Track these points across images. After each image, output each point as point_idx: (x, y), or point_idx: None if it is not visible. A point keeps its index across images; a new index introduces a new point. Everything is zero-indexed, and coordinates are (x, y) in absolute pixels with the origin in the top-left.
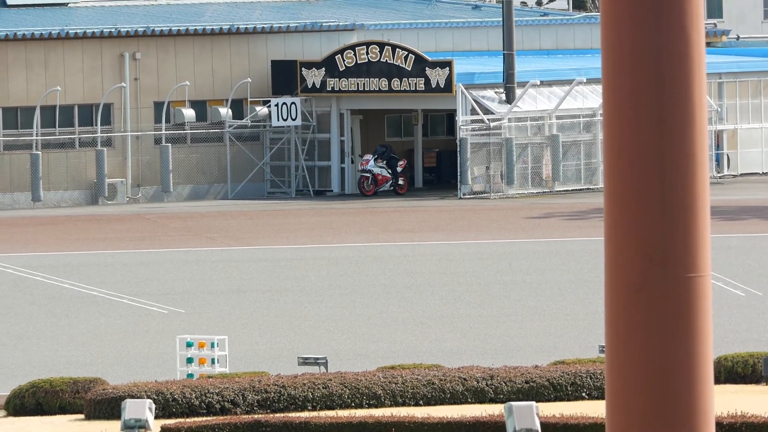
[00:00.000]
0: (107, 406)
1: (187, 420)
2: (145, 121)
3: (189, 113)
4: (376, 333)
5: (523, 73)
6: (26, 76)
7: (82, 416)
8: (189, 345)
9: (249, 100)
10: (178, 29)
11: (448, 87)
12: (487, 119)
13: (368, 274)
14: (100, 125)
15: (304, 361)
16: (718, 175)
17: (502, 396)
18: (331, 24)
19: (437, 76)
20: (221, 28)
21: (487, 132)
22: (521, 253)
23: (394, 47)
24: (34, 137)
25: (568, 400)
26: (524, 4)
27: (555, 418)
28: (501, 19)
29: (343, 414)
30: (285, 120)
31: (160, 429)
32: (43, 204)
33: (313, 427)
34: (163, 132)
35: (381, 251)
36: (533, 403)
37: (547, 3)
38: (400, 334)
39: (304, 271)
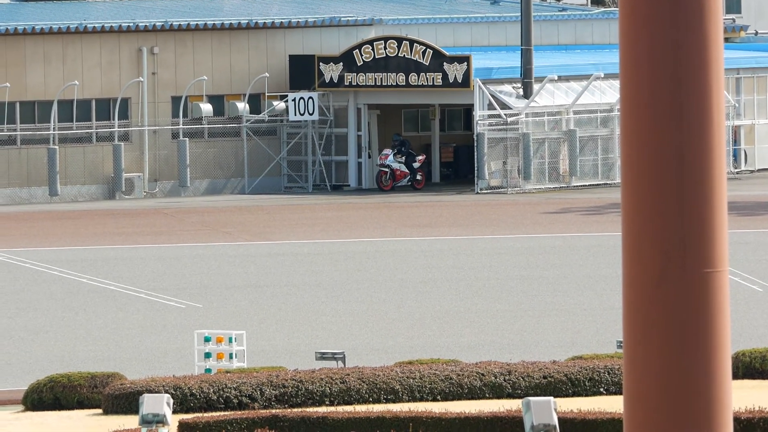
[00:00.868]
0: (125, 401)
1: (205, 415)
2: (163, 115)
3: (206, 108)
4: (393, 328)
5: (540, 68)
6: (44, 70)
7: (100, 411)
8: (207, 340)
9: (266, 94)
10: (197, 24)
11: (466, 82)
12: (505, 114)
13: (385, 268)
14: (118, 120)
15: (322, 356)
16: (735, 170)
17: (519, 391)
18: (350, 19)
19: (455, 71)
20: (239, 22)
21: (505, 127)
22: (538, 248)
23: (412, 42)
24: (52, 131)
25: (586, 395)
26: None
27: (573, 414)
28: (519, 14)
29: (361, 409)
30: (302, 115)
31: (178, 424)
32: (60, 198)
33: (331, 421)
34: (181, 126)
35: (398, 246)
36: (551, 398)
37: None
38: (417, 329)
39: (321, 266)
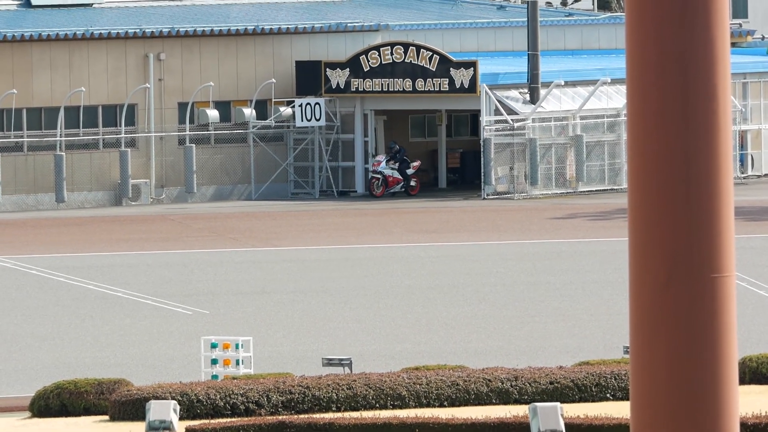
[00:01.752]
0: (132, 408)
1: (212, 421)
2: (169, 121)
3: (213, 114)
4: (400, 334)
5: (547, 74)
6: (50, 76)
7: (106, 417)
8: (213, 346)
9: (273, 100)
10: (203, 30)
11: (473, 87)
12: (511, 119)
13: (392, 274)
14: (124, 126)
15: (329, 362)
16: (742, 175)
17: (526, 397)
18: (356, 24)
19: (461, 77)
20: (246, 28)
21: (511, 132)
22: (545, 253)
23: (418, 48)
24: (58, 138)
25: (593, 401)
26: (549, 4)
27: (579, 419)
28: (526, 19)
29: (368, 415)
30: (309, 120)
31: (184, 430)
32: (66, 205)
33: (338, 428)
34: (187, 133)
35: (405, 252)
36: (558, 404)
37: (572, 3)
38: (424, 335)
39: (328, 272)
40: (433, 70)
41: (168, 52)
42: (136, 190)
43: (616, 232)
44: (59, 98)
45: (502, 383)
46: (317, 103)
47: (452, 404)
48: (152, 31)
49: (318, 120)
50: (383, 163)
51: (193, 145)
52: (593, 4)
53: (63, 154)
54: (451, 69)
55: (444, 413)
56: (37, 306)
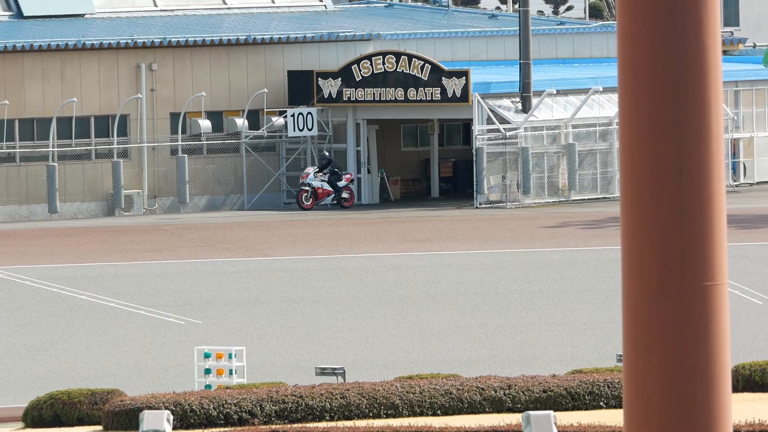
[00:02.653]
0: (125, 418)
1: (206, 431)
2: (162, 132)
3: (205, 124)
4: (393, 343)
5: (539, 82)
6: (42, 87)
7: (100, 427)
8: (207, 356)
9: (265, 110)
10: (195, 40)
11: (465, 96)
12: (504, 128)
13: (385, 284)
14: (117, 136)
15: (322, 372)
16: (735, 183)
17: (519, 405)
18: (348, 34)
19: (453, 86)
20: (238, 38)
21: (504, 141)
22: (538, 262)
23: (410, 57)
24: (51, 149)
25: (586, 409)
26: (541, 13)
27: (573, 428)
28: (518, 28)
29: (361, 424)
30: (301, 130)
31: None
32: (59, 216)
33: None
34: (180, 143)
35: (398, 261)
36: (551, 412)
37: (563, 12)
38: (417, 344)
39: (321, 282)
40: (425, 79)
41: (160, 63)
42: (128, 200)
43: (608, 241)
44: (51, 109)
45: (495, 392)
46: (309, 113)
47: (445, 413)
48: (144, 42)
49: (310, 130)
50: (311, 175)
51: (186, 155)
52: (585, 13)
53: (55, 164)
54: (443, 78)
55: (437, 422)
56: (30, 316)
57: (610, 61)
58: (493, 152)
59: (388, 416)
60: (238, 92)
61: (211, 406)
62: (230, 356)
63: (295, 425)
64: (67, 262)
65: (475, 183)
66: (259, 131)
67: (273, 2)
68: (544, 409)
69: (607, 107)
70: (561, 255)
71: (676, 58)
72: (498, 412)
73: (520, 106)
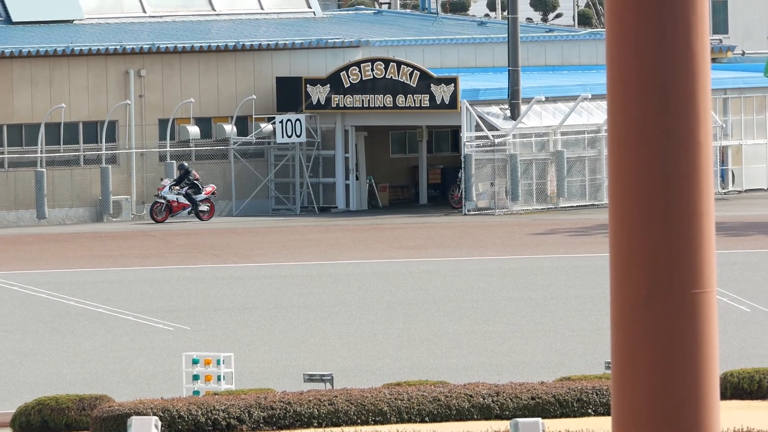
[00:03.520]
0: (113, 423)
1: None
2: (150, 138)
3: (194, 130)
4: (381, 349)
5: (528, 89)
6: (31, 92)
7: None
8: (195, 362)
9: (254, 117)
10: (183, 46)
11: (453, 103)
12: (492, 135)
13: (373, 290)
14: (105, 142)
15: (310, 378)
16: (723, 191)
17: (507, 412)
18: (337, 41)
19: (442, 93)
20: (227, 45)
21: (492, 148)
22: (526, 269)
23: (399, 64)
24: (39, 154)
25: (574, 416)
26: (530, 20)
27: None
28: (506, 35)
29: (349, 430)
30: (290, 137)
31: None
32: (47, 221)
33: None
34: (168, 149)
35: (386, 268)
36: (539, 419)
37: (552, 19)
38: (405, 351)
39: (309, 288)
40: (414, 86)
41: (148, 69)
42: (117, 206)
43: (597, 248)
44: (40, 114)
45: (484, 399)
46: (298, 120)
47: (434, 420)
48: (133, 48)
49: (299, 136)
50: (167, 188)
51: (174, 161)
52: (574, 21)
53: (44, 170)
54: (431, 85)
55: (425, 429)
56: (18, 322)
57: (598, 69)
58: (482, 159)
59: (376, 423)
60: (227, 98)
61: (200, 412)
62: (218, 362)
63: None
64: (55, 267)
65: (463, 190)
66: (248, 137)
67: (262, 8)
68: (533, 416)
69: (596, 114)
70: (549, 262)
71: (665, 65)
72: (486, 419)
73: (508, 113)
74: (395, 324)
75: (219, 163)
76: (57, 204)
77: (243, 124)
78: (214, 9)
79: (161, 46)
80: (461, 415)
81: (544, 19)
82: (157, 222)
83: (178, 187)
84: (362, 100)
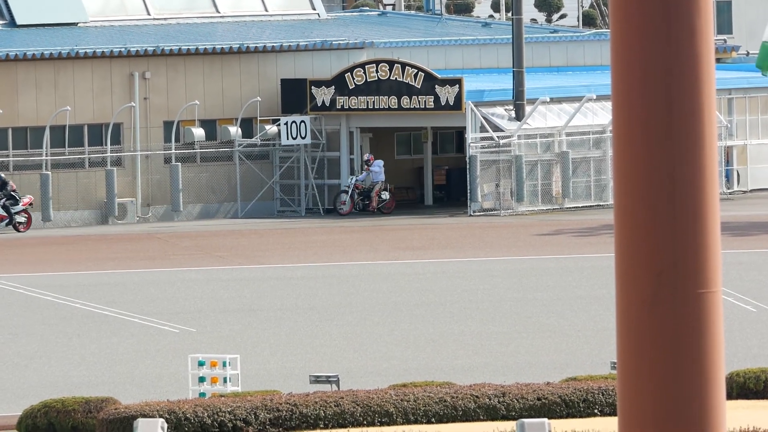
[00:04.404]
0: (119, 426)
1: None
2: (155, 140)
3: (199, 132)
4: (387, 351)
5: (532, 90)
6: (36, 95)
7: None
8: (201, 364)
9: (259, 118)
10: (188, 48)
11: (458, 104)
12: (497, 136)
13: (379, 291)
14: (110, 145)
15: (316, 380)
16: (728, 190)
17: (514, 413)
18: (341, 42)
19: (447, 94)
20: (231, 47)
21: (497, 149)
22: (531, 270)
23: (403, 65)
24: (44, 157)
25: (581, 416)
26: (534, 21)
27: None
28: (511, 36)
29: None
30: (294, 138)
31: None
32: (53, 224)
33: None
34: (173, 151)
35: (391, 269)
36: (545, 420)
37: (556, 20)
38: (411, 352)
39: (314, 290)
40: (419, 87)
41: (153, 71)
42: (122, 208)
43: (602, 248)
44: (45, 117)
45: (490, 399)
46: (303, 121)
47: (440, 420)
48: (137, 50)
49: (303, 138)
50: None
51: (179, 163)
52: (578, 21)
53: (49, 173)
54: (436, 86)
55: (431, 430)
56: (24, 325)
57: (603, 69)
58: (487, 160)
59: (382, 424)
60: (232, 100)
61: (206, 414)
62: (224, 364)
63: None
64: (60, 270)
65: (468, 191)
66: (253, 139)
67: (266, 10)
68: (539, 416)
69: (600, 115)
70: (555, 262)
71: (669, 65)
72: (492, 419)
73: (513, 114)
74: (401, 325)
75: (224, 165)
76: (62, 206)
77: (248, 126)
78: (218, 11)
79: (166, 48)
80: (467, 416)
81: (549, 20)
82: None
83: None
84: (367, 102)
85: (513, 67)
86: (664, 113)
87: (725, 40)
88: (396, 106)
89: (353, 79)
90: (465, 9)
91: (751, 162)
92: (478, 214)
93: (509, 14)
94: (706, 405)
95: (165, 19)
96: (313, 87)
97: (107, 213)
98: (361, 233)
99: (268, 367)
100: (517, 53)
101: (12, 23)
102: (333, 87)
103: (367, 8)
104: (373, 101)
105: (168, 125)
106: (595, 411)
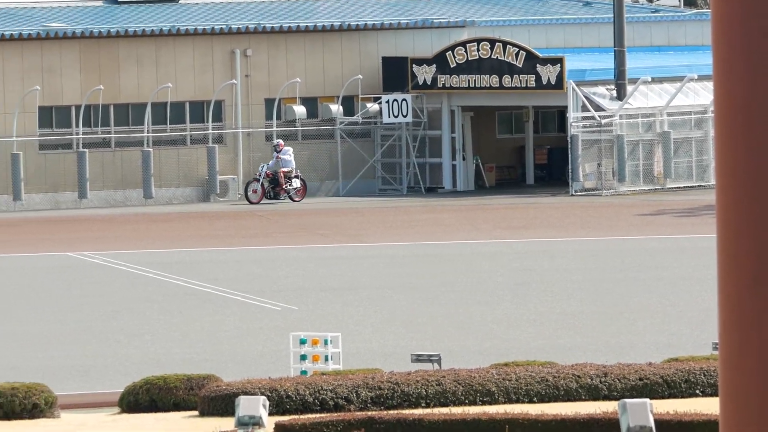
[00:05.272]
0: (221, 403)
1: (301, 417)
2: (256, 118)
3: (300, 110)
4: (488, 330)
5: (634, 70)
6: (137, 72)
7: (196, 413)
8: (302, 342)
9: (360, 96)
10: (289, 26)
11: (559, 84)
12: (598, 116)
13: (480, 270)
14: (212, 122)
15: (418, 358)
16: None
17: (615, 393)
18: (442, 21)
19: (548, 73)
20: (332, 24)
21: (599, 129)
22: (633, 250)
23: (504, 44)
24: (146, 134)
25: (682, 397)
26: (635, 0)
27: (669, 415)
28: (612, 15)
29: (457, 411)
30: (396, 117)
31: (274, 426)
32: (154, 201)
33: (427, 424)
34: (275, 129)
35: (493, 248)
36: (647, 400)
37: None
38: (512, 332)
39: (416, 268)
40: (520, 66)
41: (254, 48)
42: (223, 186)
43: (704, 229)
44: (146, 94)
45: (592, 379)
46: (404, 100)
47: (541, 400)
48: (238, 27)
49: (405, 116)
50: None
51: (280, 140)
52: (679, 1)
53: (150, 150)
54: (537, 65)
55: (533, 409)
56: (126, 302)
57: (704, 49)
58: (588, 139)
59: (483, 403)
60: (333, 78)
61: (307, 392)
62: (326, 342)
63: (391, 412)
64: (162, 247)
65: (570, 170)
66: (354, 117)
67: None
68: (640, 396)
69: (702, 95)
70: (656, 243)
71: None
72: (594, 399)
73: (614, 93)
74: (502, 304)
75: (325, 143)
76: (164, 183)
77: (349, 104)
78: None
79: (267, 25)
80: (569, 396)
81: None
82: None
83: None
84: (468, 80)
85: (614, 47)
86: (766, 93)
87: None
88: (497, 85)
89: (454, 57)
90: None
91: None
92: (580, 193)
93: None
94: None
95: None
96: (414, 65)
97: (209, 190)
98: (463, 212)
99: (370, 346)
100: (618, 32)
101: (114, 0)
102: (434, 65)
103: None
104: (474, 80)
105: (269, 103)
106: (697, 391)
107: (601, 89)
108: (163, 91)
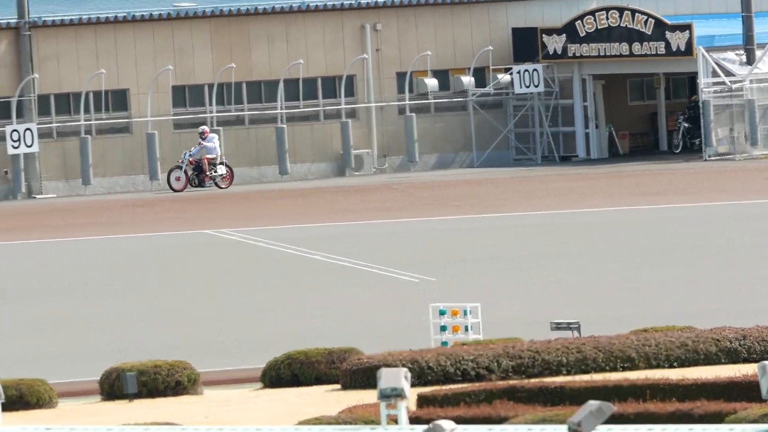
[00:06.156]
0: (363, 376)
1: (443, 387)
2: (388, 91)
3: (432, 83)
4: (626, 297)
5: (762, 35)
6: (268, 49)
7: (338, 386)
8: (442, 313)
9: (491, 68)
10: (418, 0)
11: (689, 50)
12: (729, 81)
13: (617, 237)
14: (344, 97)
15: (557, 326)
16: None
17: (755, 356)
18: None
19: (677, 40)
20: None
21: (730, 94)
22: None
23: (633, 12)
24: (279, 111)
25: None
26: None
27: None
28: None
29: (598, 377)
30: (527, 87)
31: (416, 397)
32: (290, 177)
33: (569, 390)
34: (407, 102)
35: (628, 215)
36: None
37: None
38: (650, 298)
39: (553, 237)
40: (649, 33)
41: (384, 23)
42: (358, 160)
43: None
44: (277, 71)
45: (731, 343)
46: (535, 70)
47: (681, 365)
48: (368, 2)
49: (536, 86)
50: None
51: (413, 114)
52: None
53: (284, 126)
54: (666, 32)
55: (674, 374)
56: (265, 278)
57: None
58: (720, 105)
59: (624, 369)
60: (463, 50)
61: (448, 363)
62: (465, 313)
63: (533, 380)
64: (299, 222)
65: (702, 135)
66: (486, 89)
67: None
68: None
69: None
70: None
71: None
72: (733, 363)
73: (744, 58)
74: (639, 271)
75: (458, 114)
76: (298, 159)
77: (480, 76)
78: None
79: (396, 0)
80: (709, 360)
81: None
82: None
83: None
84: (598, 49)
85: (741, 12)
86: None
87: None
88: (627, 53)
89: (584, 26)
90: None
91: None
92: (713, 158)
93: None
94: None
95: None
96: (544, 35)
97: (344, 165)
98: (597, 180)
99: (509, 315)
100: None
101: None
102: (564, 35)
103: None
104: (604, 48)
105: (401, 76)
106: None
107: (730, 54)
108: (295, 67)
